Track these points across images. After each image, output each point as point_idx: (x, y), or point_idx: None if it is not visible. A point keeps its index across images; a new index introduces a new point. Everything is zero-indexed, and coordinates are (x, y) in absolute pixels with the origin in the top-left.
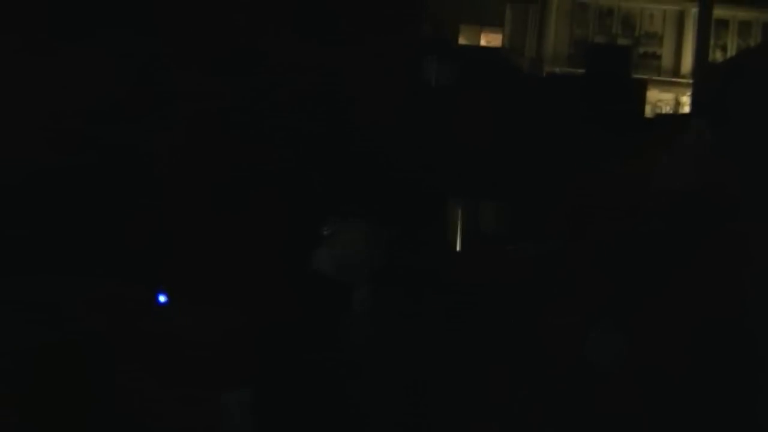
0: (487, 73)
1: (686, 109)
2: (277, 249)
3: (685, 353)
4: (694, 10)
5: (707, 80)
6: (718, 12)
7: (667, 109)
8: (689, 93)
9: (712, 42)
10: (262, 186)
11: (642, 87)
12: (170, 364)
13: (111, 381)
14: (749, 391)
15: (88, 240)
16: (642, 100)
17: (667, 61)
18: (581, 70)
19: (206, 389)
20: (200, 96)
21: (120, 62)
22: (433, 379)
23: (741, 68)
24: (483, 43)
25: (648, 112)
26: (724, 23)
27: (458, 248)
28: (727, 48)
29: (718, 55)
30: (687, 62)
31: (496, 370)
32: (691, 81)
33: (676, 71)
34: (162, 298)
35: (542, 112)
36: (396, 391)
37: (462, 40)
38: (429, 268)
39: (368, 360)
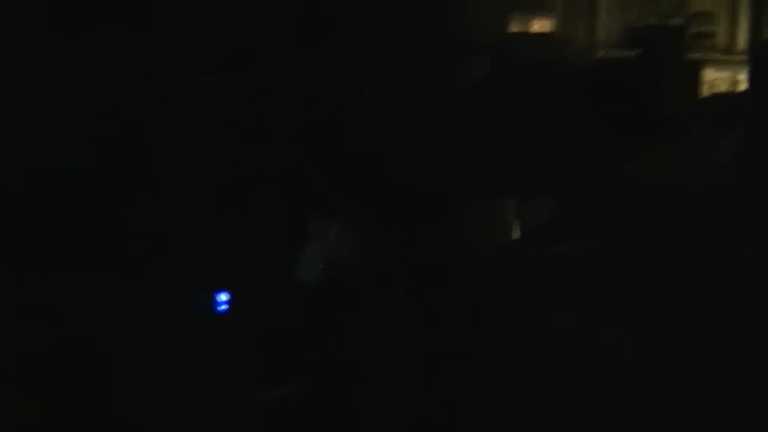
0: (529, 63)
1: (742, 88)
2: (277, 249)
3: (705, 352)
4: None
5: None
6: None
7: (723, 87)
8: (745, 71)
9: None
10: (261, 186)
11: (697, 66)
12: (175, 366)
13: (115, 383)
14: (756, 392)
15: (88, 240)
16: (697, 80)
17: (721, 39)
18: (634, 53)
19: (211, 391)
20: (200, 96)
21: (119, 62)
22: (432, 379)
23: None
24: (534, 29)
25: (704, 91)
26: None
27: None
28: None
29: None
30: (742, 39)
31: (500, 370)
32: (746, 58)
33: (730, 49)
34: (223, 296)
35: (593, 98)
36: (396, 391)
37: (512, 28)
38: (433, 267)
39: (370, 361)
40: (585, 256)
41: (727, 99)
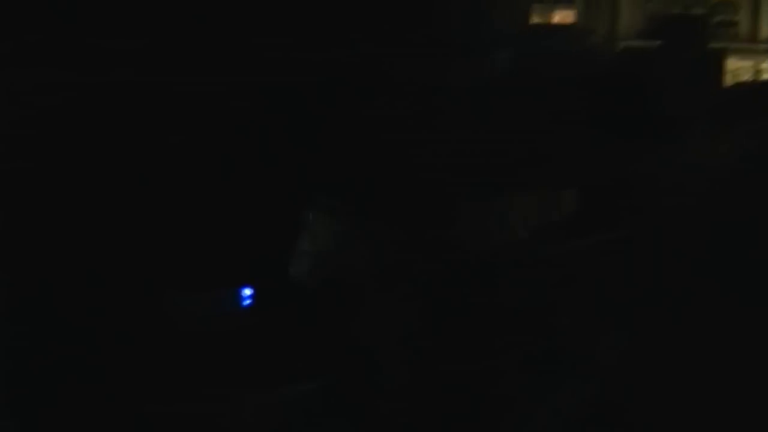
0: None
1: (765, 77)
2: (277, 249)
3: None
4: None
5: None
6: None
7: (745, 76)
8: None
9: None
10: (261, 186)
11: (720, 56)
12: (181, 364)
13: (126, 380)
14: None
15: (91, 240)
16: (721, 69)
17: (743, 27)
18: (657, 43)
19: (216, 389)
20: (201, 96)
21: (118, 60)
22: (433, 379)
23: None
24: (556, 20)
25: (727, 80)
26: None
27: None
28: None
29: None
30: (765, 28)
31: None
32: None
33: (753, 38)
34: (247, 291)
35: (617, 87)
36: (397, 391)
37: (535, 19)
38: (435, 267)
39: (370, 360)
40: (589, 255)
41: (744, 91)
